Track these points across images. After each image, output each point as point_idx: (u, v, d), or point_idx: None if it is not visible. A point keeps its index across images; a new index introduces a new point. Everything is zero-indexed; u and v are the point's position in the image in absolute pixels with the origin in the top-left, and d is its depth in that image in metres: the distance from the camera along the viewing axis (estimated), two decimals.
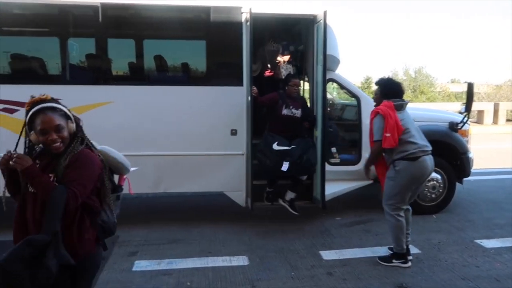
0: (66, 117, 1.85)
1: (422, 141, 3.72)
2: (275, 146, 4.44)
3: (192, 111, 4.68)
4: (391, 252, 3.88)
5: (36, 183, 1.74)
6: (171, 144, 4.65)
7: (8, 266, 1.61)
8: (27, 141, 1.88)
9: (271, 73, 5.84)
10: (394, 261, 3.79)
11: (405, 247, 3.78)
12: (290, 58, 5.59)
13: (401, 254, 3.77)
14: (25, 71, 4.72)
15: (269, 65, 5.78)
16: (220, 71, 4.88)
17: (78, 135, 1.91)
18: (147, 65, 4.93)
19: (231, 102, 4.73)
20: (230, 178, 4.77)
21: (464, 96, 5.09)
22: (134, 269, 3.64)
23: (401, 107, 3.73)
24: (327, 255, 4.04)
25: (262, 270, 3.69)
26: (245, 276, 3.58)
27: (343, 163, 5.10)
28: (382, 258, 3.88)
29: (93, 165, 1.89)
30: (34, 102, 1.80)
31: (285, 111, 4.64)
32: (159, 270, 3.64)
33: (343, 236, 4.55)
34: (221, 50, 4.78)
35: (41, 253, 1.65)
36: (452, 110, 9.25)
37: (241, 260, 3.90)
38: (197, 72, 5.11)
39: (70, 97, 4.46)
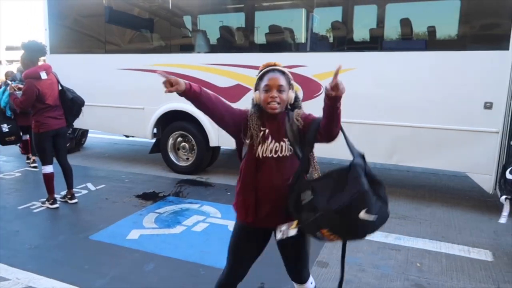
0: (290, 85, 1.90)
1: None
2: None
3: (437, 79, 4.25)
4: None
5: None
6: (410, 114, 4.37)
7: (369, 193, 1.61)
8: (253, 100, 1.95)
9: None
10: None
11: None
12: None
13: None
14: (278, 40, 5.25)
15: None
16: (477, 33, 4.17)
17: (297, 105, 1.96)
18: (390, 30, 4.69)
19: (488, 69, 4.02)
20: (477, 159, 4.14)
21: None
22: None
23: None
24: None
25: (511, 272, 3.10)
26: (487, 273, 3.08)
27: None
28: None
29: None
30: (268, 65, 1.92)
31: None
32: (386, 243, 3.56)
33: None
34: (481, 9, 4.06)
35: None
36: None
37: (483, 254, 3.37)
38: (446, 36, 4.54)
39: (316, 63, 4.90)
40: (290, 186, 1.84)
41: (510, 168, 3.22)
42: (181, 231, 3.75)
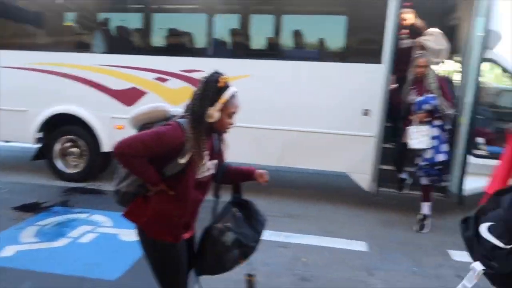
0: None
1: None
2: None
3: (324, 88, 4.61)
4: None
5: None
6: (299, 120, 4.67)
7: None
8: (195, 110, 1.73)
9: None
10: None
11: None
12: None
13: None
14: (176, 44, 5.20)
15: None
16: (358, 47, 4.64)
17: None
18: (284, 40, 4.95)
19: (366, 81, 4.49)
20: (357, 160, 4.59)
21: None
22: None
23: None
24: (458, 255, 3.60)
25: (381, 260, 3.50)
26: (362, 262, 3.45)
27: (491, 156, 4.42)
28: None
29: None
30: (227, 81, 1.76)
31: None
32: (276, 241, 3.74)
33: None
34: (362, 25, 4.54)
35: None
36: None
37: (359, 246, 3.75)
38: (333, 48, 4.95)
39: (213, 68, 4.91)
40: (211, 237, 1.89)
41: (489, 224, 2.04)
42: (66, 244, 3.48)
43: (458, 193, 4.22)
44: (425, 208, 4.19)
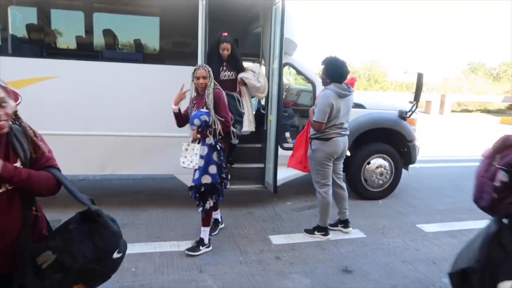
0: (7, 92, 1.55)
1: (342, 126, 3.98)
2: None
3: (143, 90, 4.49)
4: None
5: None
6: (120, 124, 4.44)
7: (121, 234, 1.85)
8: None
9: None
10: (316, 232, 4.16)
11: (327, 222, 4.14)
12: None
13: (323, 228, 4.14)
14: None
15: None
16: (174, 49, 4.70)
17: (17, 112, 1.64)
18: (96, 40, 4.64)
19: (184, 82, 4.56)
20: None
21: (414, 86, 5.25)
22: None
23: (344, 96, 3.95)
24: (277, 239, 4.08)
25: (210, 255, 3.65)
26: (193, 261, 3.53)
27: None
28: (306, 230, 4.23)
29: None
30: None
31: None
32: None
33: (293, 221, 4.60)
34: (175, 28, 4.60)
35: None
36: (403, 99, 9.56)
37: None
38: (149, 50, 4.89)
39: (10, 69, 4.22)
40: (20, 255, 1.56)
41: None
42: None
43: (273, 183, 4.72)
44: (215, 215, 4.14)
